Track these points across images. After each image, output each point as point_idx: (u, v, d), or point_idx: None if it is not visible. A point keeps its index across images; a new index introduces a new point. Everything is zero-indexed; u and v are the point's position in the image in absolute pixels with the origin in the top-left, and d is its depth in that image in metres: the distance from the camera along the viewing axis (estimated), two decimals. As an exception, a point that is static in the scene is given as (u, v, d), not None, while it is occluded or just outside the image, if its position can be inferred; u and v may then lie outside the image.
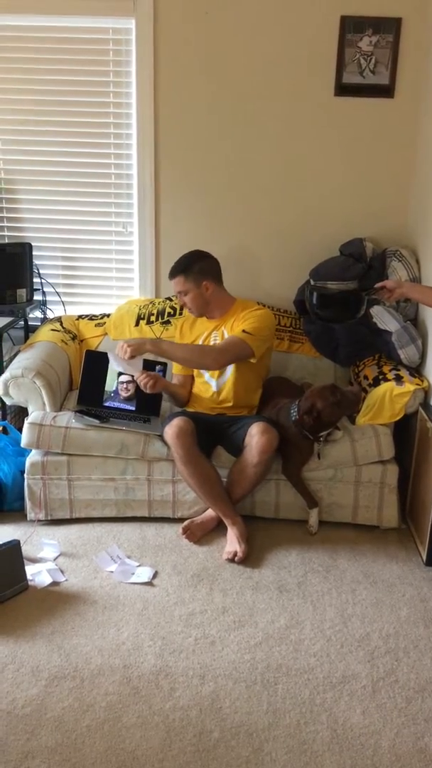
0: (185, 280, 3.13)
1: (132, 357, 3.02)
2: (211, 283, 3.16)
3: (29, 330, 3.78)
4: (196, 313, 3.24)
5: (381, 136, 3.56)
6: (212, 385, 3.21)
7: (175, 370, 3.31)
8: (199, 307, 3.19)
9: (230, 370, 3.15)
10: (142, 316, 3.66)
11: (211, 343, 3.20)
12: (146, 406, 3.25)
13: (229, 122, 3.58)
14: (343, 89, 3.49)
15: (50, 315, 3.89)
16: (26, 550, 2.83)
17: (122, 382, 3.24)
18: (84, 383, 3.28)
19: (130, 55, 3.53)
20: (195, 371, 3.28)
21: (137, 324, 3.64)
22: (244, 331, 3.06)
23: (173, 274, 3.16)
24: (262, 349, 3.12)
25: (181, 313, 3.57)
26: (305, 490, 3.05)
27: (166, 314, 3.63)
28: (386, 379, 3.15)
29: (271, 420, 3.03)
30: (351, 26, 3.39)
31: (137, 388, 3.13)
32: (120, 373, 3.24)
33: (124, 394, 3.25)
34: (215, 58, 3.50)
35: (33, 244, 3.71)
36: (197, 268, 3.14)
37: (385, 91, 3.48)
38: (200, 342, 3.23)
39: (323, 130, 3.57)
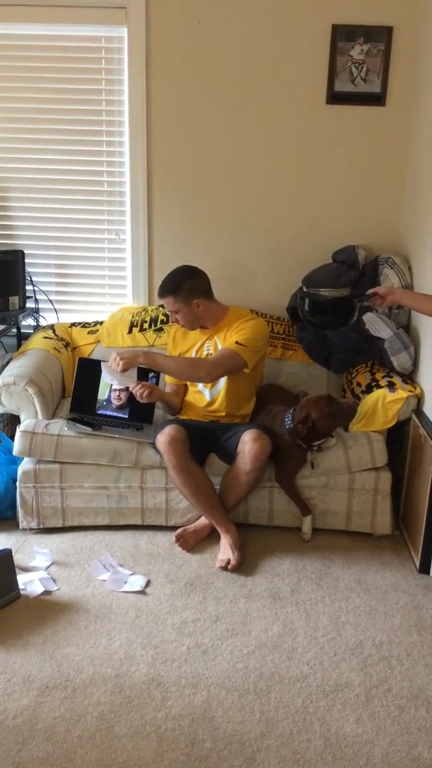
0: (175, 300, 3.10)
1: (125, 370, 3.00)
2: (201, 300, 3.13)
3: (22, 337, 3.77)
4: (189, 328, 3.22)
5: (373, 144, 3.57)
6: (205, 395, 3.20)
7: (168, 379, 3.30)
8: (191, 323, 3.18)
9: (223, 380, 3.14)
10: (135, 324, 3.65)
11: (204, 353, 3.20)
12: (139, 414, 3.24)
13: (221, 130, 3.59)
14: (334, 97, 3.51)
15: (43, 322, 3.88)
16: (18, 558, 2.81)
17: (115, 390, 3.23)
18: (76, 391, 3.27)
19: (122, 63, 3.54)
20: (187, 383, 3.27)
21: (130, 331, 3.64)
22: (237, 342, 3.06)
23: (163, 294, 3.13)
24: (255, 360, 3.12)
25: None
26: (298, 498, 3.05)
27: (158, 321, 3.63)
28: (379, 386, 3.15)
29: (263, 427, 3.02)
30: (342, 35, 3.41)
31: (130, 396, 3.13)
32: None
33: (116, 402, 3.24)
34: (207, 67, 3.51)
35: (26, 251, 3.70)
36: (187, 286, 3.10)
37: (377, 99, 3.49)
38: (193, 351, 3.23)
39: (315, 137, 3.58)
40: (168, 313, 3.22)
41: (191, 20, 3.44)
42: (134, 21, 3.43)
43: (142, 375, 3.12)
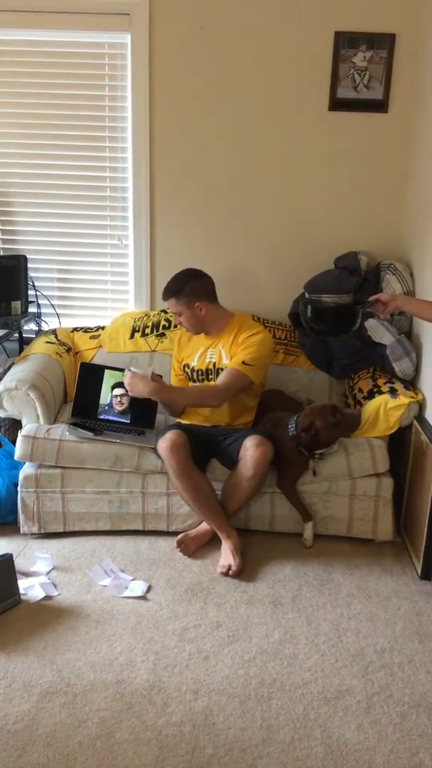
0: (176, 302, 3.12)
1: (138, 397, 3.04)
2: (204, 303, 3.13)
3: (24, 342, 3.78)
4: (193, 332, 3.23)
5: (375, 151, 3.58)
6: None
7: (173, 380, 3.31)
8: (194, 326, 3.19)
9: None
10: (137, 329, 3.66)
11: (207, 359, 3.21)
12: (141, 419, 3.24)
13: (224, 135, 3.60)
14: (337, 104, 3.51)
15: (45, 327, 3.89)
16: (19, 563, 2.81)
17: (116, 396, 3.24)
18: (78, 396, 3.28)
19: (125, 69, 3.55)
20: (191, 384, 3.27)
21: (132, 336, 3.65)
22: (243, 362, 3.06)
23: (166, 296, 3.15)
24: (261, 376, 3.16)
25: (176, 326, 3.57)
26: (300, 504, 3.04)
27: (161, 327, 3.64)
28: (381, 392, 3.15)
29: (266, 433, 3.02)
30: (345, 42, 3.42)
31: (132, 400, 3.13)
32: (114, 386, 3.24)
33: (118, 407, 3.25)
34: (210, 73, 3.52)
35: (28, 256, 3.71)
36: (189, 289, 3.11)
37: (379, 106, 3.50)
38: (196, 357, 3.23)
39: (318, 144, 3.59)
40: (172, 313, 3.22)
41: (194, 27, 3.46)
42: (138, 27, 3.45)
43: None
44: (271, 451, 2.92)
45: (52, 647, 2.40)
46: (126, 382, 3.04)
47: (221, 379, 3.09)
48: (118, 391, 3.24)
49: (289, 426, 3.02)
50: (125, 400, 3.23)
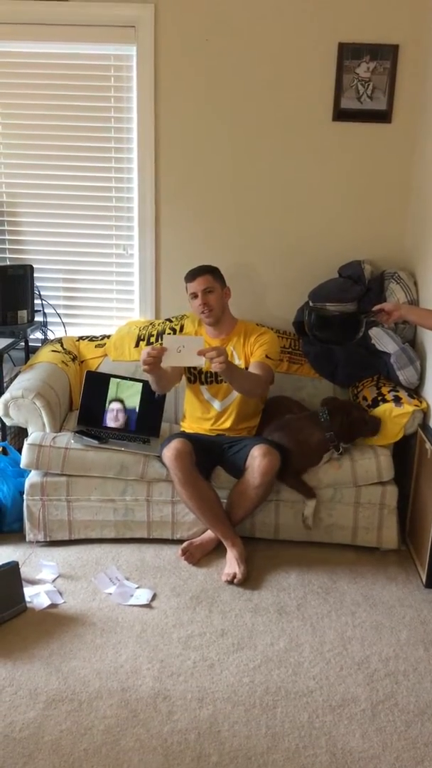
0: (213, 278, 3.17)
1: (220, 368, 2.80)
2: (229, 291, 3.24)
3: (30, 351, 3.79)
4: (213, 317, 3.19)
5: (379, 161, 3.60)
6: (214, 405, 3.21)
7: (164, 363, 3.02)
8: (218, 307, 3.19)
9: (236, 392, 3.15)
10: (142, 338, 3.67)
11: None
12: (146, 427, 3.26)
13: (229, 146, 3.63)
14: (341, 114, 3.54)
15: (51, 336, 3.91)
16: (25, 571, 2.82)
17: (112, 410, 3.27)
18: (84, 404, 3.30)
19: (131, 80, 3.58)
20: (194, 387, 3.26)
21: (137, 345, 3.66)
22: (267, 356, 3.13)
23: (200, 273, 3.16)
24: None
25: (182, 332, 3.59)
26: (302, 484, 3.04)
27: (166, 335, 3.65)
28: (385, 401, 3.16)
29: (272, 442, 3.02)
30: (349, 53, 3.44)
31: (139, 408, 3.14)
32: (111, 401, 3.26)
33: (112, 423, 3.27)
34: (215, 84, 3.55)
35: (34, 265, 3.74)
36: (220, 273, 3.22)
37: (383, 116, 3.52)
38: (203, 360, 3.22)
39: (322, 154, 3.61)
40: (195, 295, 3.14)
41: (199, 39, 3.49)
42: (143, 39, 3.48)
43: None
44: (279, 460, 2.92)
45: (58, 655, 2.41)
46: (210, 349, 2.79)
47: (257, 371, 3.10)
48: (115, 405, 3.26)
49: (321, 413, 3.08)
50: (121, 416, 3.26)
